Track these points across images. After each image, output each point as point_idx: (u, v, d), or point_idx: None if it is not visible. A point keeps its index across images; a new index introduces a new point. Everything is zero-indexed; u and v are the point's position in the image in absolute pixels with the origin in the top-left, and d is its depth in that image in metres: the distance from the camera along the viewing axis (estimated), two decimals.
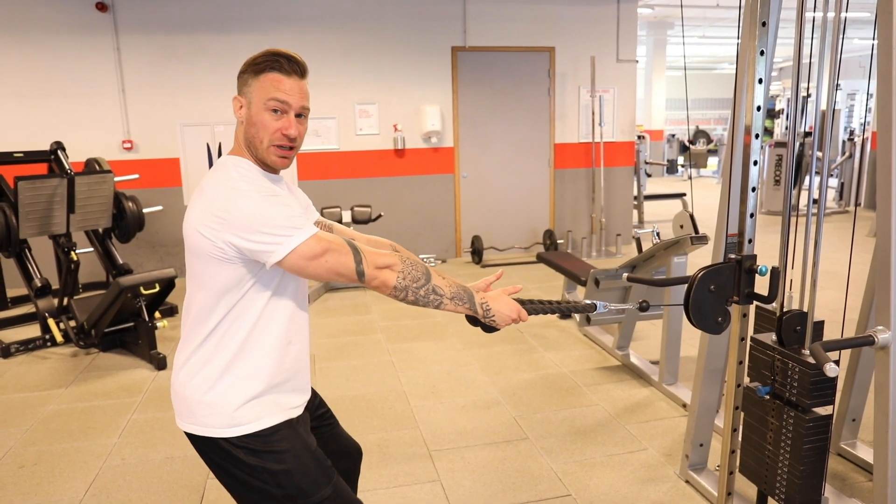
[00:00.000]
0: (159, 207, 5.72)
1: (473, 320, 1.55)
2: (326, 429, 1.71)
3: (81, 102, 5.97)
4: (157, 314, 4.50)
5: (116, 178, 4.92)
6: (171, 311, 5.13)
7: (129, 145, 6.11)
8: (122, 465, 2.87)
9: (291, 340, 1.50)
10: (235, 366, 1.43)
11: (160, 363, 3.99)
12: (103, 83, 5.98)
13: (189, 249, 1.43)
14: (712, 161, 15.97)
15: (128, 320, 4.25)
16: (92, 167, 4.93)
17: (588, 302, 1.71)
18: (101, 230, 4.95)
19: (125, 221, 4.92)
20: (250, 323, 1.43)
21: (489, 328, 1.53)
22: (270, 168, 1.48)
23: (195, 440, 1.49)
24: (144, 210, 5.05)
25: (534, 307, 1.58)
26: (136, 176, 5.52)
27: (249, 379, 1.44)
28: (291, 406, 1.52)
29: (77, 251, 4.62)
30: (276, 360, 1.47)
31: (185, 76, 6.14)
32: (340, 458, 1.68)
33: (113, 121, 6.07)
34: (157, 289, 4.25)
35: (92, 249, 5.04)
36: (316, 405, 1.70)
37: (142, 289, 4.09)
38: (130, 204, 4.92)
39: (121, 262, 4.92)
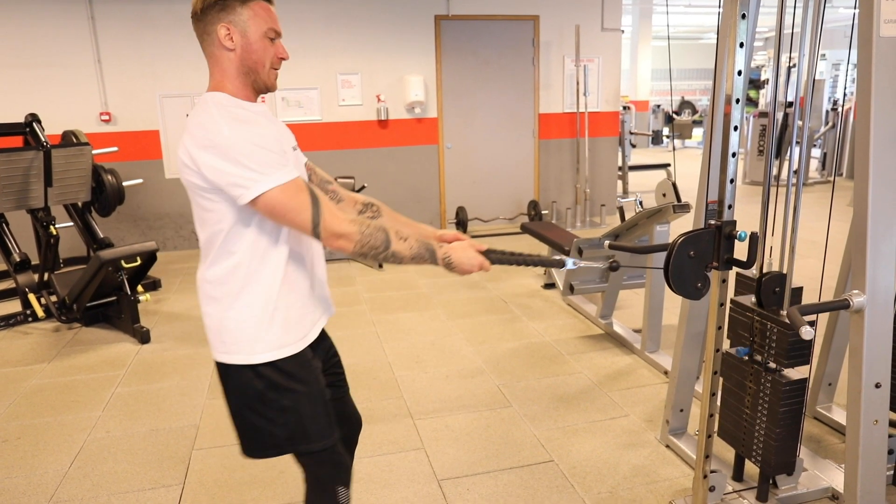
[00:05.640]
0: (140, 181, 5.63)
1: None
2: (337, 390, 1.75)
3: (56, 73, 5.83)
4: (139, 288, 4.47)
5: (95, 151, 4.83)
6: (154, 285, 5.09)
7: (106, 117, 6.00)
8: (106, 437, 2.87)
9: (297, 263, 1.52)
10: (256, 289, 1.46)
11: (143, 337, 3.97)
12: (78, 53, 5.85)
13: (189, 192, 1.45)
14: (697, 132, 15.98)
15: (110, 294, 4.22)
16: (69, 139, 4.83)
17: (557, 257, 1.70)
18: (80, 204, 4.87)
19: (105, 195, 4.85)
20: (253, 252, 1.45)
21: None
22: (253, 96, 1.51)
23: (220, 368, 1.53)
24: (124, 183, 4.97)
25: (498, 257, 1.58)
26: (114, 149, 5.41)
27: (263, 301, 1.47)
28: (313, 326, 1.57)
29: (56, 225, 4.56)
30: (296, 282, 1.51)
31: (164, 46, 6.01)
32: (342, 424, 1.71)
33: (90, 92, 5.94)
34: (139, 262, 4.21)
35: (72, 224, 4.97)
36: (330, 356, 1.74)
37: (123, 262, 4.05)
38: (110, 177, 4.84)
39: (101, 235, 4.86)
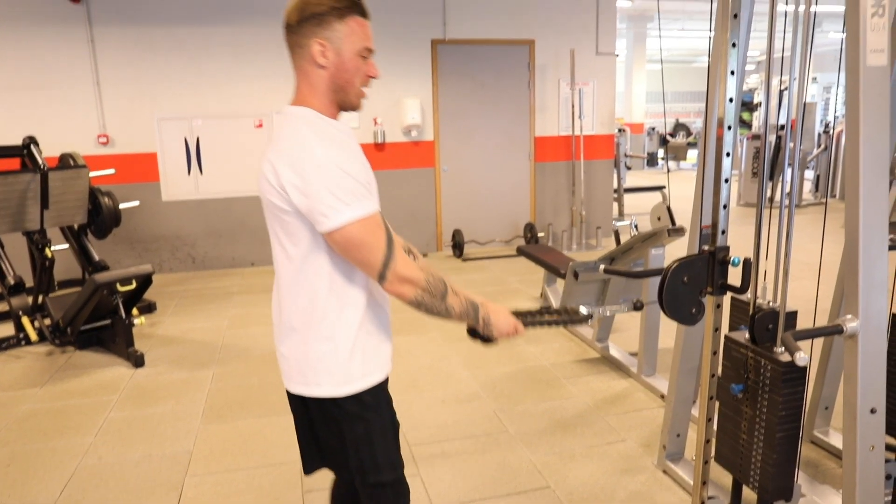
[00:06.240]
0: (136, 203, 5.65)
1: (473, 333, 1.59)
2: None
3: (55, 96, 5.87)
4: (134, 311, 4.45)
5: (92, 174, 4.85)
6: (149, 308, 5.08)
7: (104, 139, 6.02)
8: (98, 464, 2.83)
9: (373, 291, 1.50)
10: (341, 314, 1.43)
11: (138, 360, 3.94)
12: (77, 76, 5.89)
13: (270, 212, 1.41)
14: (692, 154, 16.10)
15: (104, 317, 4.20)
16: (66, 162, 4.85)
17: (584, 312, 1.72)
18: (76, 226, 4.87)
19: (101, 217, 4.85)
20: (340, 270, 1.42)
21: (487, 340, 1.57)
22: (336, 113, 1.46)
23: (303, 400, 1.52)
24: (121, 205, 4.98)
25: (531, 321, 1.61)
26: (111, 171, 5.44)
27: (353, 324, 1.45)
28: (388, 356, 1.56)
29: (52, 248, 4.55)
30: (372, 305, 1.49)
31: (163, 69, 6.06)
32: None
33: (88, 115, 5.97)
34: (134, 285, 4.20)
35: (67, 246, 4.97)
36: None
37: (118, 285, 4.04)
38: (106, 199, 4.85)
39: (97, 258, 4.86)
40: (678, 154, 14.39)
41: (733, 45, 1.90)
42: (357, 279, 1.44)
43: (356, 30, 1.39)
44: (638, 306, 1.89)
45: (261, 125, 6.37)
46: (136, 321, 4.17)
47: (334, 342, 1.44)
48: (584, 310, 1.71)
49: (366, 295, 1.46)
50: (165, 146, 6.22)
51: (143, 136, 6.15)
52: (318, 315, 1.43)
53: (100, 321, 4.22)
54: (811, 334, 1.82)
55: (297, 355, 1.47)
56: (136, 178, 6.15)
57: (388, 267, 1.34)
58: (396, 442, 1.58)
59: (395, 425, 1.58)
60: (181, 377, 3.78)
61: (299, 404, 1.55)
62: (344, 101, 1.44)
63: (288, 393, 1.56)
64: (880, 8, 1.55)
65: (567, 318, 1.66)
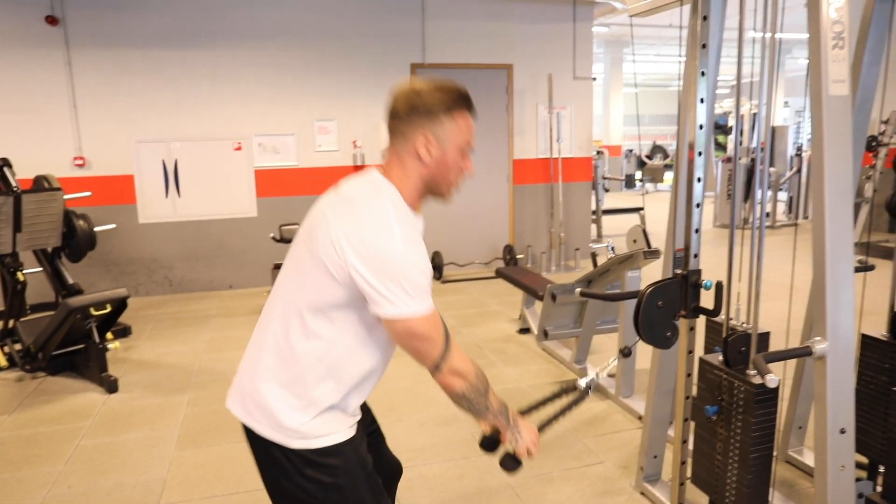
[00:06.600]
0: (112, 226, 5.58)
1: (489, 446, 1.57)
2: (374, 446, 1.70)
3: (31, 118, 5.81)
4: (108, 335, 4.38)
5: (67, 196, 4.79)
6: (124, 332, 5.00)
7: (80, 162, 5.96)
8: (67, 493, 2.77)
9: (377, 369, 1.48)
10: (319, 384, 1.39)
11: (111, 386, 3.87)
12: (54, 98, 5.84)
13: (309, 250, 1.37)
14: (669, 176, 16.34)
15: (77, 342, 4.13)
16: (40, 184, 4.79)
17: (582, 385, 1.85)
18: (49, 249, 4.80)
19: (76, 240, 4.78)
20: (345, 346, 1.39)
21: (513, 463, 1.54)
22: (419, 203, 1.45)
23: (253, 436, 1.44)
24: (97, 228, 4.92)
25: (545, 424, 1.72)
26: (87, 193, 5.37)
27: (328, 395, 1.40)
28: (354, 418, 1.49)
29: (24, 271, 4.48)
30: (358, 385, 1.45)
31: (141, 92, 6.04)
32: (382, 474, 1.67)
33: (64, 137, 5.92)
34: (109, 309, 4.14)
35: (41, 269, 4.89)
36: (369, 421, 1.70)
37: (92, 309, 3.98)
38: (81, 222, 4.79)
39: (70, 282, 4.78)
40: (655, 176, 14.60)
41: (702, 73, 1.95)
42: (352, 364, 1.41)
43: (462, 126, 1.40)
44: (626, 353, 1.95)
45: (239, 148, 6.37)
46: (110, 346, 4.10)
47: (320, 405, 1.40)
48: (582, 382, 1.79)
49: (355, 380, 1.43)
50: (143, 168, 6.18)
51: (121, 159, 6.10)
52: (294, 371, 1.39)
53: (73, 346, 4.14)
54: (782, 356, 1.85)
55: (267, 401, 1.41)
56: (113, 201, 6.09)
57: (444, 360, 1.37)
58: (369, 482, 1.48)
59: (365, 467, 1.48)
60: (156, 402, 3.72)
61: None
62: (434, 192, 1.45)
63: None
64: (840, 40, 1.60)
65: (574, 401, 1.76)
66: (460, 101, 1.39)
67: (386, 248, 1.28)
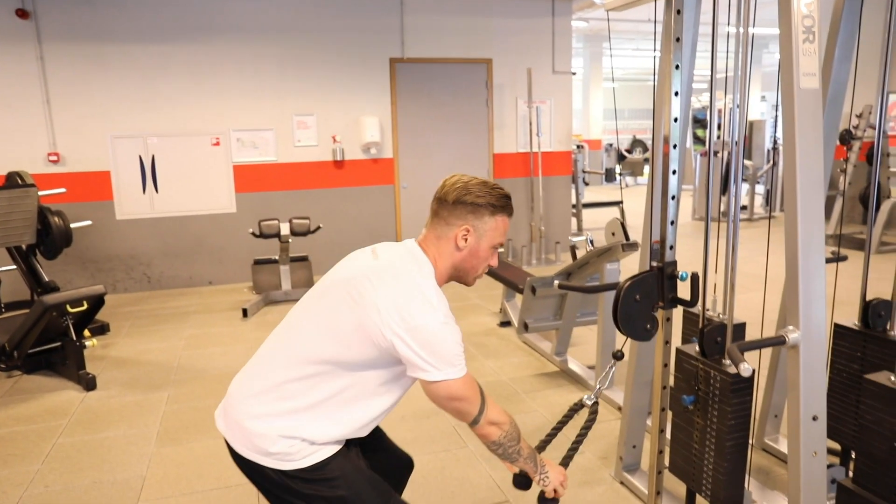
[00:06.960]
0: (88, 222, 5.51)
1: (522, 484, 1.70)
2: (377, 445, 1.76)
3: (2, 113, 5.70)
4: (86, 332, 4.33)
5: (41, 193, 4.72)
6: (102, 329, 4.94)
7: (55, 158, 5.87)
8: (45, 492, 2.74)
9: (379, 417, 1.58)
10: (321, 428, 1.48)
11: (89, 384, 3.83)
12: (26, 93, 5.74)
13: (350, 308, 1.45)
14: (648, 170, 16.45)
15: (54, 340, 4.07)
16: (14, 181, 4.71)
17: (588, 401, 2.02)
18: (24, 246, 4.73)
19: (51, 237, 4.72)
20: (358, 398, 1.50)
21: (549, 502, 1.68)
22: (446, 281, 1.58)
23: (246, 462, 1.51)
24: (72, 225, 4.86)
25: (568, 456, 1.86)
26: (62, 190, 5.30)
27: (324, 436, 1.49)
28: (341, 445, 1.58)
29: None
30: (357, 429, 1.55)
31: (116, 87, 5.95)
32: (387, 474, 1.71)
33: (37, 133, 5.82)
34: (85, 306, 4.09)
35: (15, 267, 4.81)
36: None
37: (68, 307, 3.93)
38: (56, 219, 4.72)
39: (46, 279, 4.72)
40: (635, 170, 14.72)
41: (676, 67, 1.98)
42: (353, 414, 1.51)
43: (499, 227, 1.55)
44: (618, 356, 2.00)
45: (218, 143, 6.30)
46: (87, 343, 4.05)
47: (321, 440, 1.49)
48: (587, 399, 1.86)
49: (350, 429, 1.53)
50: (119, 164, 6.09)
51: (96, 155, 6.01)
52: (290, 409, 1.47)
53: (49, 344, 4.08)
54: (756, 345, 1.88)
55: (241, 415, 1.51)
56: (89, 197, 6.00)
57: (482, 414, 1.51)
58: (371, 484, 1.57)
59: (361, 471, 1.58)
60: (134, 400, 3.69)
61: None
62: (459, 278, 1.60)
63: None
64: (811, 34, 1.63)
65: (588, 421, 1.84)
66: (503, 206, 1.54)
67: (430, 323, 1.42)
